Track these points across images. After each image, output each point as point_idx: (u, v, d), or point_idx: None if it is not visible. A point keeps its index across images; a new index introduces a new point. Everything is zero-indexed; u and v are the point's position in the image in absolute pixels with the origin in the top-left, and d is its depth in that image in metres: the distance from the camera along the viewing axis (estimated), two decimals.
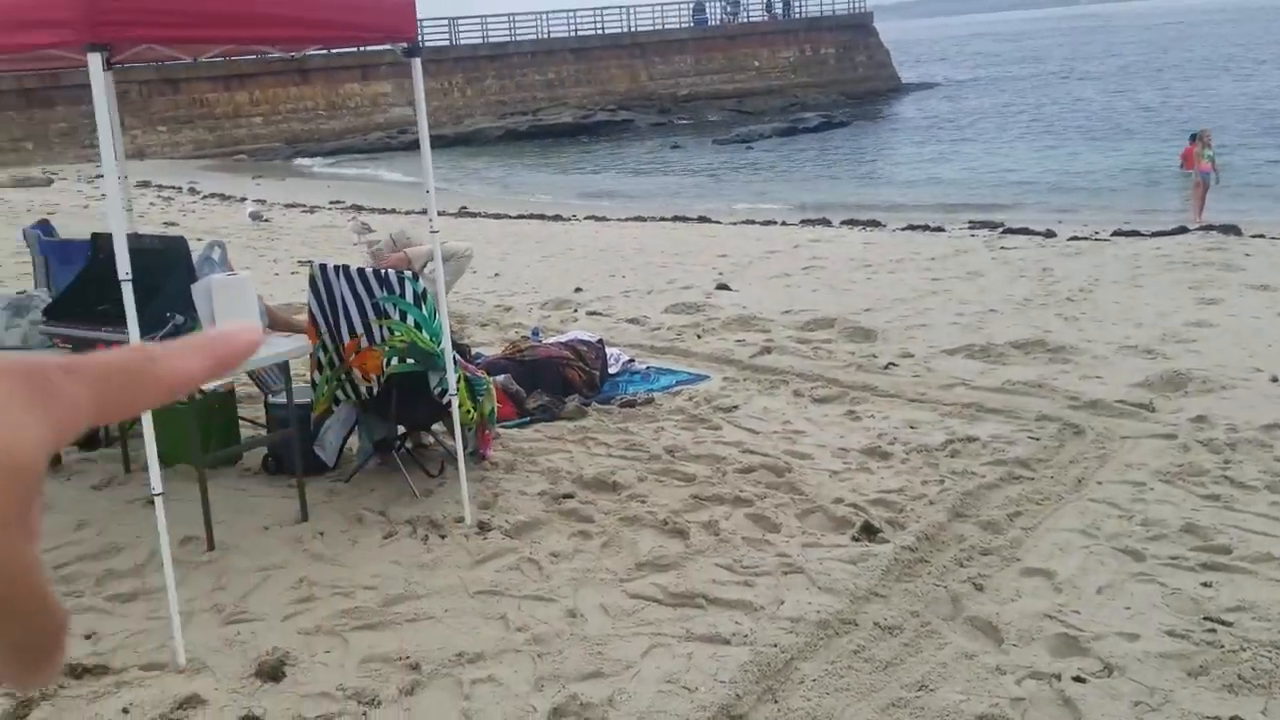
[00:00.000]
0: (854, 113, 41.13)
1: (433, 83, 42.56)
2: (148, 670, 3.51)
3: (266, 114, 39.54)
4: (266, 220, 17.82)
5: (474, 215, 19.09)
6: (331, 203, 22.65)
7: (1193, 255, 10.59)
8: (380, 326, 4.81)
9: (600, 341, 6.96)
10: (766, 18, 50.27)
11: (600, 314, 9.05)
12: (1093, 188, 20.68)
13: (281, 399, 5.25)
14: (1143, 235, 12.42)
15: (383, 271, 4.77)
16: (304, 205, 21.72)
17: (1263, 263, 10.04)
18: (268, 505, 4.89)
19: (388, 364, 4.83)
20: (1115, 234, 12.66)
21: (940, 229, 14.18)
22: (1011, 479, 5.04)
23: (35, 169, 31.71)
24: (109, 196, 3.45)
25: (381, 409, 5.05)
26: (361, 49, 5.76)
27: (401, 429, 5.31)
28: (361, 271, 4.80)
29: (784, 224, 15.54)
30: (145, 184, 27.38)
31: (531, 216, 18.38)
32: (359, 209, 20.46)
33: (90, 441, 5.77)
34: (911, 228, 14.41)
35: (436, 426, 5.45)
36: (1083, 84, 48.18)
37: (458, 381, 4.89)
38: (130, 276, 3.42)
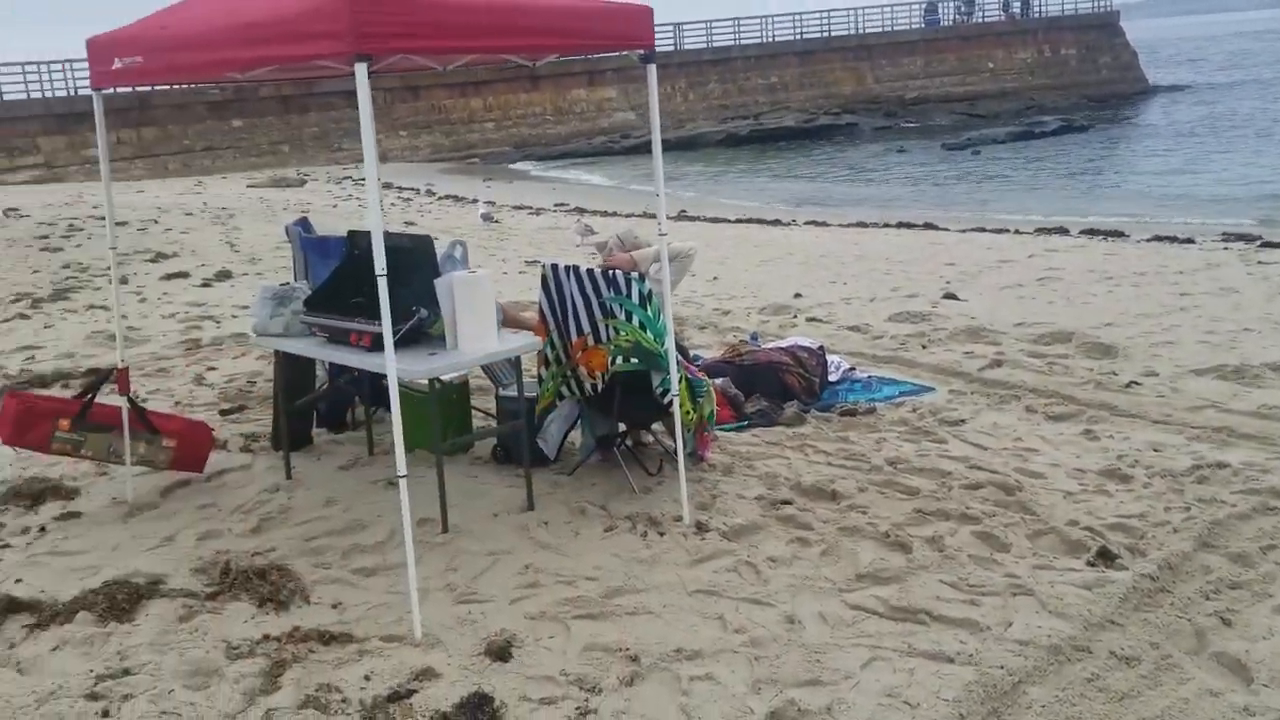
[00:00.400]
0: (1095, 117, 39.06)
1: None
2: (387, 641, 3.73)
3: (498, 119, 41.24)
4: (497, 221, 18.58)
5: (692, 219, 19.26)
6: (556, 205, 23.38)
7: None
8: (606, 325, 4.93)
9: (821, 348, 6.89)
10: (1003, 18, 48.44)
11: (820, 320, 8.95)
12: None
13: (512, 392, 5.47)
14: None
15: (610, 272, 4.89)
16: (530, 207, 22.52)
17: None
18: (496, 493, 5.10)
19: (612, 362, 4.94)
20: None
21: (1190, 241, 13.28)
22: (1265, 510, 4.67)
23: (290, 170, 34.22)
24: (369, 198, 3.68)
25: (604, 406, 5.18)
26: (588, 56, 5.93)
27: (622, 426, 5.42)
28: (591, 272, 4.94)
29: (1016, 232, 14.92)
30: (387, 185, 29.08)
31: (750, 221, 18.40)
32: (582, 211, 21.03)
33: (338, 425, 6.19)
34: (1158, 239, 13.55)
35: (655, 426, 5.54)
36: None
37: (679, 382, 4.96)
38: (385, 272, 3.64)
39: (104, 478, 5.50)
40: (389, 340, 3.75)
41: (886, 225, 17.01)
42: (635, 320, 4.82)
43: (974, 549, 4.41)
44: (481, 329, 4.59)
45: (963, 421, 6.11)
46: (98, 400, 5.14)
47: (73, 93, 35.00)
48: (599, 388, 5.07)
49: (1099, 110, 41.38)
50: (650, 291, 4.82)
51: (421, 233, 5.56)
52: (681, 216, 19.66)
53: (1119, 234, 14.17)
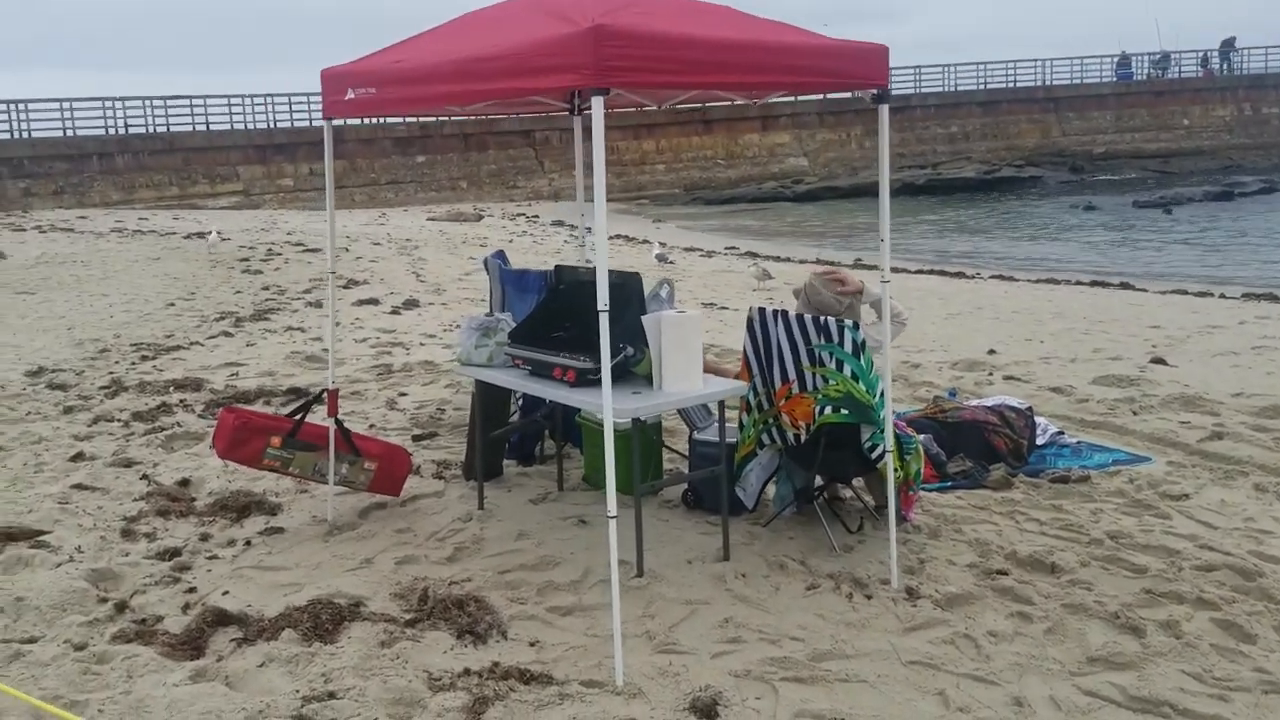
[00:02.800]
0: None
1: (830, 134, 43.03)
2: (587, 686, 3.60)
3: (669, 161, 41.64)
4: (671, 262, 18.63)
5: (869, 267, 18.86)
6: (726, 248, 23.34)
7: None
8: (814, 374, 4.74)
9: (1029, 409, 6.52)
10: (1201, 73, 46.23)
11: (1018, 379, 8.52)
12: None
13: (708, 436, 5.33)
14: None
15: (822, 319, 4.70)
16: (701, 250, 22.55)
17: None
18: (689, 539, 4.95)
19: (820, 413, 4.75)
20: None
21: None
22: None
23: (467, 205, 35.33)
24: (596, 234, 3.61)
25: (806, 458, 4.98)
26: (758, 100, 5.80)
27: (819, 479, 5.21)
28: (801, 318, 4.76)
29: (1222, 296, 14.02)
30: (559, 223, 29.70)
31: (932, 272, 17.90)
32: (755, 256, 20.90)
33: (528, 458, 6.17)
34: None
35: (855, 480, 5.30)
36: None
37: (888, 437, 4.72)
38: (607, 308, 3.56)
39: (305, 495, 5.62)
40: (607, 381, 3.66)
41: (1079, 282, 16.28)
42: (848, 370, 4.62)
43: (1215, 637, 4.01)
44: (688, 370, 4.48)
45: (1186, 496, 5.64)
46: (306, 420, 5.25)
47: (271, 125, 37.13)
48: (802, 438, 4.87)
49: None
50: (864, 341, 4.61)
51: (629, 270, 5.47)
52: (858, 265, 19.30)
53: None
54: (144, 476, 5.98)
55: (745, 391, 4.84)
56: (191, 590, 4.48)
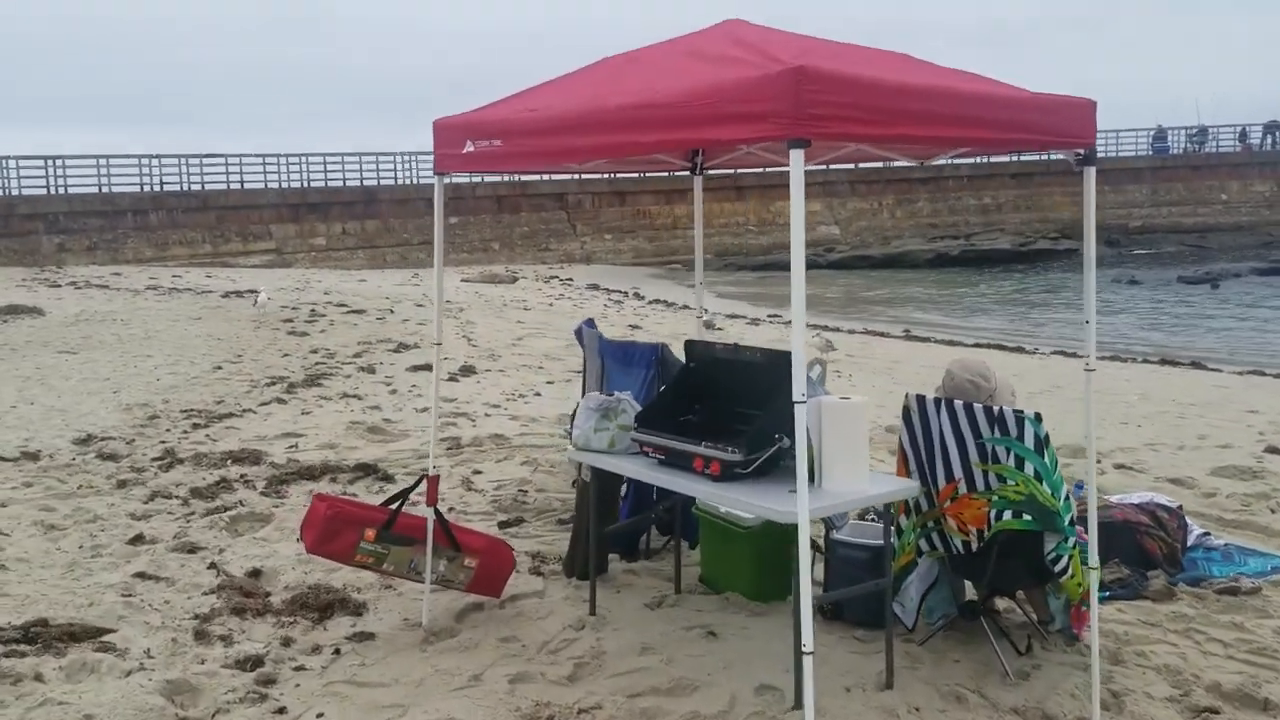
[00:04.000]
0: None
1: (861, 203, 42.79)
2: None
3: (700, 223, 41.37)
4: (720, 329, 18.16)
5: (923, 340, 18.34)
6: (770, 316, 22.88)
7: None
8: (984, 472, 4.19)
9: (1180, 508, 5.93)
10: (1239, 148, 45.94)
11: (1130, 469, 7.94)
12: None
13: (849, 536, 4.77)
14: None
15: (995, 409, 4.16)
16: (745, 317, 22.09)
17: None
18: (837, 658, 4.37)
19: (996, 517, 4.18)
20: None
21: None
22: None
23: (499, 267, 35.08)
24: (794, 310, 3.08)
25: (976, 568, 4.40)
26: (924, 162, 5.35)
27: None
28: (970, 407, 4.22)
29: None
30: (594, 287, 29.33)
31: (989, 345, 17.34)
32: (821, 329, 20.14)
33: (631, 551, 5.61)
34: None
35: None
36: None
37: (1071, 546, 4.16)
38: (805, 398, 3.04)
39: (390, 591, 5.07)
40: (803, 483, 3.11)
41: (1146, 360, 15.67)
42: (1029, 468, 4.06)
43: None
44: (854, 466, 3.93)
45: None
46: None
47: (305, 184, 37.11)
48: (973, 546, 4.30)
49: None
50: (1048, 435, 4.06)
51: (780, 348, 4.88)
52: (909, 337, 18.79)
53: None
54: (211, 565, 5.44)
55: (916, 492, 4.28)
56: (281, 711, 3.92)
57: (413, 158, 39.77)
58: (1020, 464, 4.12)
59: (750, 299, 27.78)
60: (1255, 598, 5.23)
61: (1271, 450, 8.58)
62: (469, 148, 4.34)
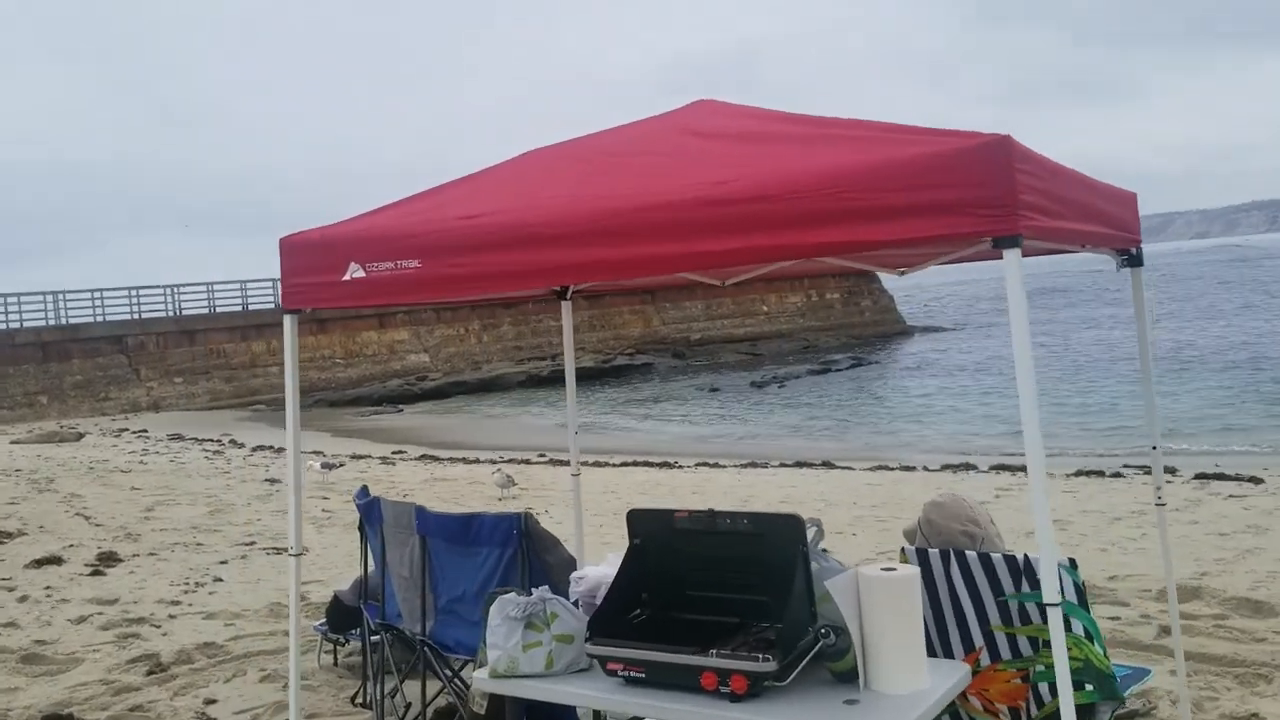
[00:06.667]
0: (868, 354, 41.47)
1: (448, 329, 42.56)
2: None
3: (282, 363, 38.86)
4: (341, 465, 16.73)
5: (561, 464, 18.00)
6: (394, 453, 21.64)
7: None
8: (1010, 637, 3.69)
9: None
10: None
11: None
12: None
13: None
14: None
15: (1019, 558, 3.69)
16: (371, 455, 20.67)
17: None
18: None
19: (1042, 693, 3.64)
20: None
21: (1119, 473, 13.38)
22: None
23: (51, 423, 30.40)
24: (1029, 450, 2.40)
25: None
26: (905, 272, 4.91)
27: None
28: (987, 558, 3.71)
29: (925, 469, 14.65)
30: (178, 436, 26.24)
31: (635, 464, 17.38)
32: (502, 461, 18.67)
33: None
34: (1082, 473, 13.60)
35: None
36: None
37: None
38: (1059, 601, 2.35)
39: None
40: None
41: (782, 464, 16.44)
42: (1078, 627, 3.61)
43: None
44: (910, 660, 3.20)
45: None
46: None
47: None
48: None
49: (868, 349, 44.00)
50: (1084, 583, 3.65)
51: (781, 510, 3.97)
52: (554, 463, 18.39)
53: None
54: None
55: (970, 678, 3.65)
56: None
57: None
58: (1068, 624, 3.64)
59: (366, 435, 26.21)
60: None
61: None
62: (357, 273, 3.25)
